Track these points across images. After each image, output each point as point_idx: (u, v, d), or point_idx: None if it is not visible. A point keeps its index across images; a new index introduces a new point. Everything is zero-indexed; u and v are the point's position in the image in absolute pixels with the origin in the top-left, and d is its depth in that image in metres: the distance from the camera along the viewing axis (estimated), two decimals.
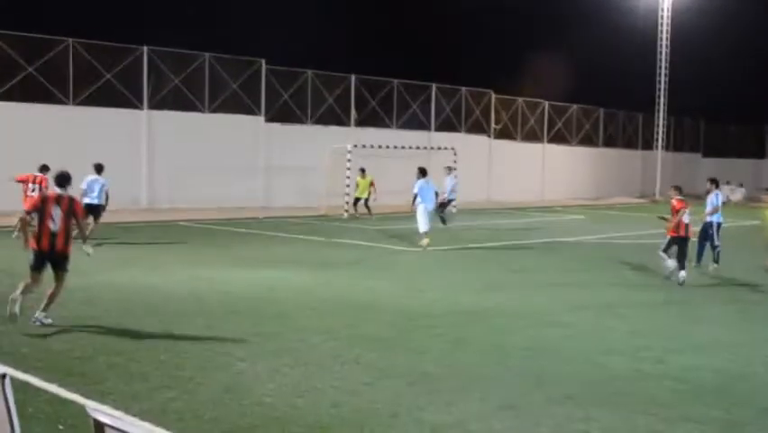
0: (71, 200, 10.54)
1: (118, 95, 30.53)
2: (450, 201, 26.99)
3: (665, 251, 15.63)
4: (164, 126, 31.12)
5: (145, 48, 31.18)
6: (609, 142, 53.41)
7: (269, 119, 34.38)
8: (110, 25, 35.56)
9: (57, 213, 10.24)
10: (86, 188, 19.29)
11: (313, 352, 9.27)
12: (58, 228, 10.23)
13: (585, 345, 9.99)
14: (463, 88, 43.11)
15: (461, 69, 48.51)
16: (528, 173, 46.38)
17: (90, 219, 18.25)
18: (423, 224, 20.37)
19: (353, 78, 37.58)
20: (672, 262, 15.42)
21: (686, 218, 15.45)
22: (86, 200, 18.87)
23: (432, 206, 21.14)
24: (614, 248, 21.18)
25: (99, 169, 20.26)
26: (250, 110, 33.86)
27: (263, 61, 34.00)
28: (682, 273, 15.19)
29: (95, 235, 17.87)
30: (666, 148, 52.29)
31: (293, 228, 25.18)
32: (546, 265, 17.89)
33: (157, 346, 9.31)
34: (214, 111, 32.99)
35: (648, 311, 12.54)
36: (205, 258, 17.56)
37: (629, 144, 54.93)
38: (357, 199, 30.01)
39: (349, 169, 30.86)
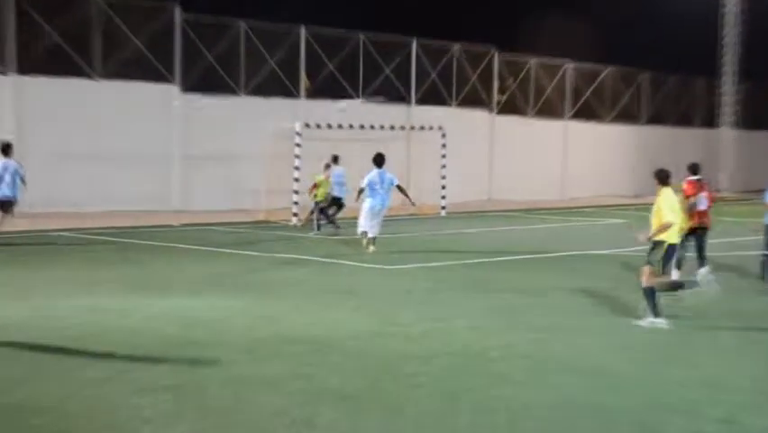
0: None
1: None
2: (338, 200, 27.69)
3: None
4: (38, 98, 30.88)
5: None
6: (657, 118, 53.80)
7: (188, 88, 34.29)
8: None
9: None
10: None
11: (248, 410, 9.33)
12: None
13: (628, 399, 10.09)
14: (456, 45, 43.29)
15: (453, 17, 48.66)
16: (544, 162, 46.62)
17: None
18: (362, 224, 22.20)
19: (303, 30, 37.58)
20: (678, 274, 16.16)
21: (702, 204, 16.16)
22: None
23: (385, 203, 22.42)
24: None
25: (6, 149, 20.66)
26: (159, 76, 33.73)
27: (178, 6, 33.90)
28: (702, 271, 16.34)
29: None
30: (737, 125, 52.68)
31: (221, 239, 25.20)
32: (571, 288, 18.00)
33: (36, 404, 9.33)
34: (109, 77, 32.83)
35: (714, 351, 12.68)
36: (99, 282, 17.53)
37: (685, 121, 55.35)
38: (318, 203, 29.40)
39: (298, 157, 30.85)
